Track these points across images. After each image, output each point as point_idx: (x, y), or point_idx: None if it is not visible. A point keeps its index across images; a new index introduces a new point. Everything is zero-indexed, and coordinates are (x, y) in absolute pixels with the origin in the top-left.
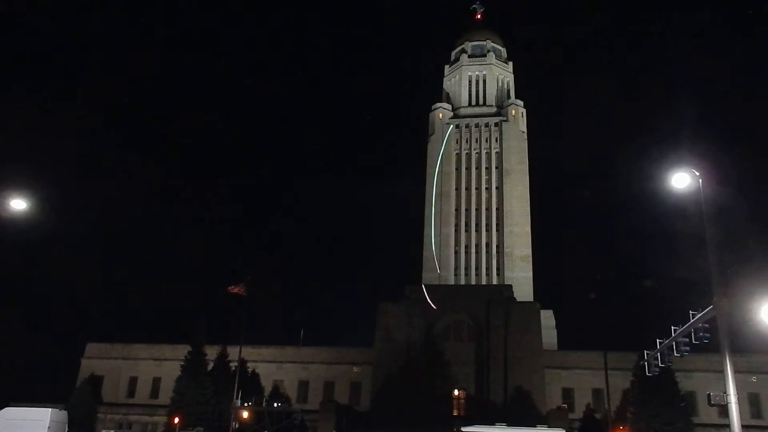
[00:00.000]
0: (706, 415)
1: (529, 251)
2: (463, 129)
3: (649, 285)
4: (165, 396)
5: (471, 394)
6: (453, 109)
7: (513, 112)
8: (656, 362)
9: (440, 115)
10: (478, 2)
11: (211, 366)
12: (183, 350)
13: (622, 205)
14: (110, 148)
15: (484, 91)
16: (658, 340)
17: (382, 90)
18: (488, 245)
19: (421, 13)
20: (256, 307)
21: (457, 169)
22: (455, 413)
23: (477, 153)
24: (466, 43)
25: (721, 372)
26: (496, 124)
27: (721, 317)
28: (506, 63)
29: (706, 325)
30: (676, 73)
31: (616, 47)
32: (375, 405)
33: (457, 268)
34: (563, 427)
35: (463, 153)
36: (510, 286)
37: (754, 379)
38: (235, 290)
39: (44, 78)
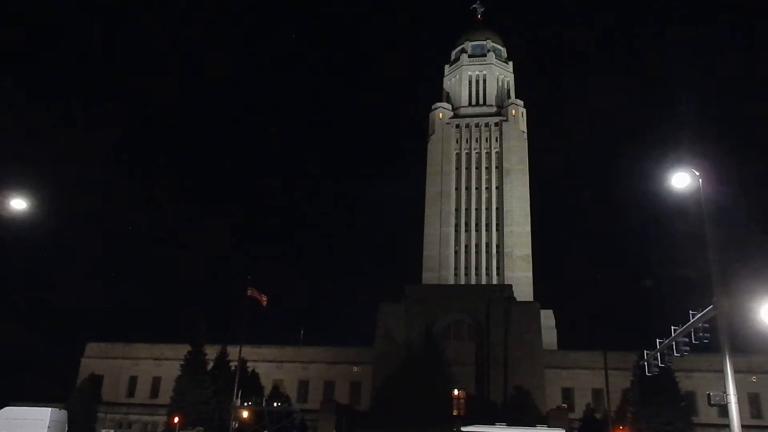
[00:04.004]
0: (706, 415)
1: (529, 251)
2: (463, 129)
3: (649, 285)
4: (165, 396)
5: (471, 394)
6: (453, 109)
7: (513, 111)
8: (656, 362)
9: (440, 114)
10: (478, 2)
11: (211, 366)
12: (183, 350)
13: (622, 205)
14: (110, 148)
15: (484, 90)
16: (658, 340)
17: (383, 90)
18: (488, 245)
19: (421, 13)
20: (256, 306)
21: (457, 168)
22: (455, 413)
23: (477, 153)
24: (466, 42)
25: (721, 372)
26: (496, 124)
27: (721, 317)
28: (506, 63)
29: (706, 325)
30: (676, 74)
31: (616, 47)
32: (375, 405)
33: (457, 268)
34: (563, 427)
35: (463, 153)
36: (510, 286)
37: (754, 379)
38: (264, 302)
39: (45, 78)
